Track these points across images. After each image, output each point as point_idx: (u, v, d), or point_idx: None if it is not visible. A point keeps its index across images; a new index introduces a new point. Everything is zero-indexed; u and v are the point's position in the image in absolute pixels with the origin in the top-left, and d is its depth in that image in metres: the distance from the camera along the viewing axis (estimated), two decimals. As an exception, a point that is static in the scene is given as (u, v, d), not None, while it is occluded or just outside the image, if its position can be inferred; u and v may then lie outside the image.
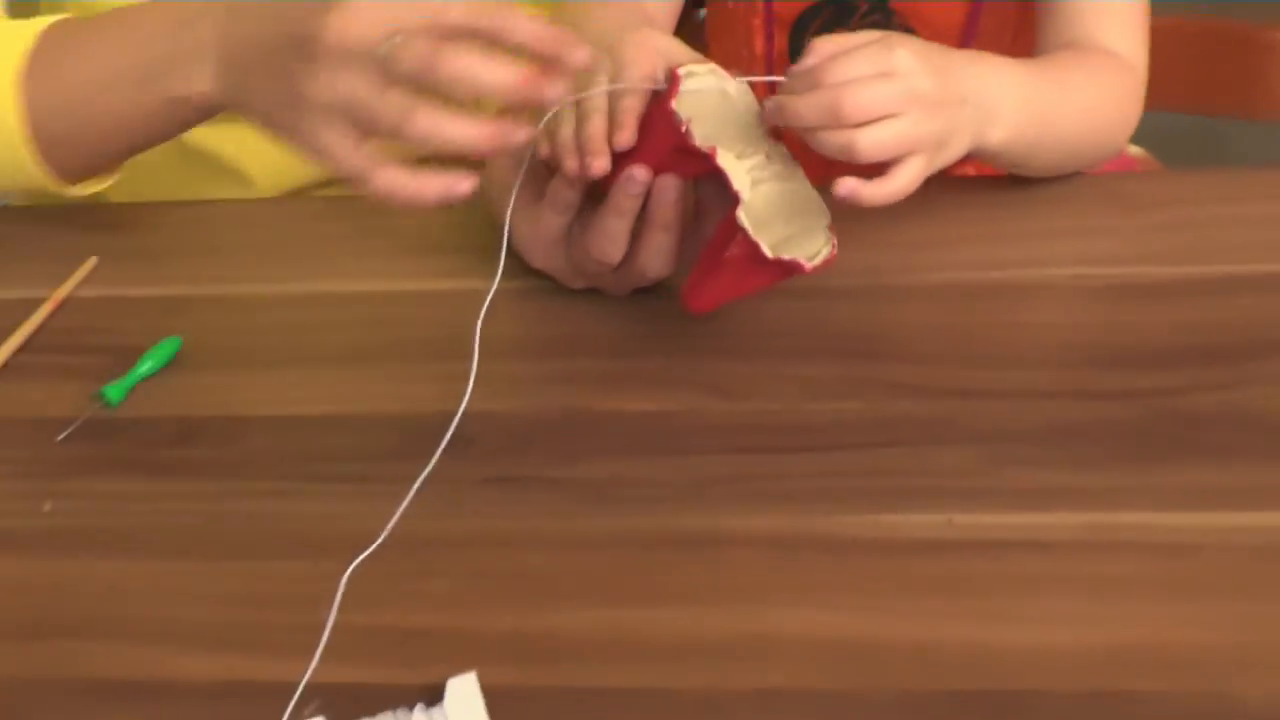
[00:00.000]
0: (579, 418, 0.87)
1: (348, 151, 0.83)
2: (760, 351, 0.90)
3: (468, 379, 0.85)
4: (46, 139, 0.97)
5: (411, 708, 0.71)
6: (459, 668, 0.72)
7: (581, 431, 0.85)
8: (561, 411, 0.87)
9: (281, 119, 0.86)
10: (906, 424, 0.84)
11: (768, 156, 0.85)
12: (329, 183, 1.16)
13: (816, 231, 0.84)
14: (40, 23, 0.99)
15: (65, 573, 0.82)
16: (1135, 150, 1.21)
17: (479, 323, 0.85)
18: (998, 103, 0.90)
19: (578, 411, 0.87)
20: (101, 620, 0.80)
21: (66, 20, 0.99)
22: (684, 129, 0.82)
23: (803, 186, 0.85)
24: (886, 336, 0.90)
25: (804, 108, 0.82)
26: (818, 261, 0.83)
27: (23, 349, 0.96)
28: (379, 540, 0.78)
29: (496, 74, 0.80)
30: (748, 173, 0.82)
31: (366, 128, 0.83)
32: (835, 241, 0.84)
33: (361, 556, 0.78)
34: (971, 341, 0.89)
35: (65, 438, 0.90)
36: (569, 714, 0.72)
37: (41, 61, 0.97)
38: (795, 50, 1.13)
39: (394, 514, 0.80)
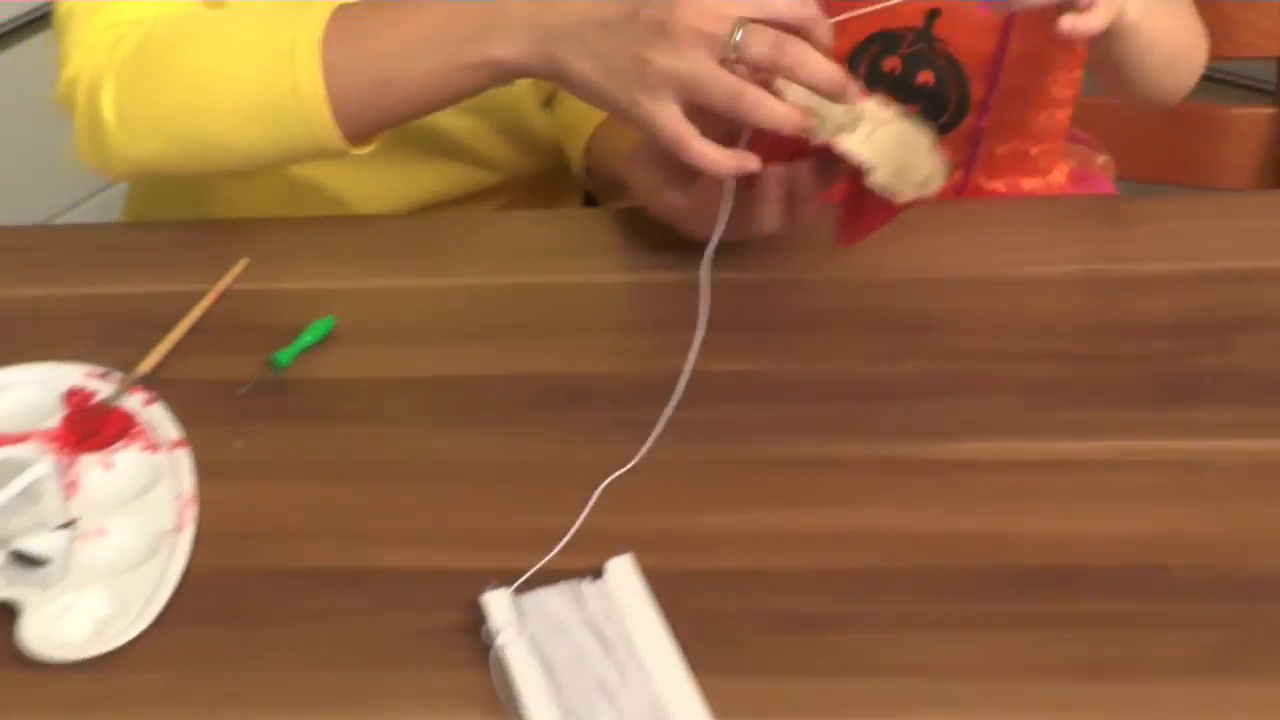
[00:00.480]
0: (677, 373, 1.04)
1: (677, 120, 0.97)
2: (831, 328, 1.08)
3: (587, 351, 1.04)
4: (342, 99, 1.07)
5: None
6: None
7: (695, 385, 1.03)
8: (674, 370, 1.04)
9: (612, 87, 0.98)
10: (962, 378, 1.03)
11: (866, 114, 1.02)
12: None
13: (923, 154, 1.02)
14: (329, 1, 1.09)
15: (258, 492, 0.99)
16: (1101, 160, 1.39)
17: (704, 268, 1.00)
18: None
19: (677, 371, 1.04)
20: (293, 526, 0.97)
21: (362, 1, 1.10)
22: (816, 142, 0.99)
23: (902, 123, 1.02)
24: (937, 316, 1.09)
25: None
26: (933, 188, 1.01)
27: (194, 330, 1.12)
28: (633, 460, 0.96)
29: (822, 67, 0.96)
30: (864, 140, 1.01)
31: (698, 101, 0.96)
32: (944, 157, 1.02)
33: (618, 472, 0.95)
34: (1008, 318, 1.08)
35: (245, 393, 1.07)
36: (714, 589, 0.89)
37: (342, 29, 1.07)
38: None
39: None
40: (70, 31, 1.17)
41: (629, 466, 0.96)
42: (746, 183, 1.02)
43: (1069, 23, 1.03)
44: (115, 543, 0.96)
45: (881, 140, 1.01)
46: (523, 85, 1.23)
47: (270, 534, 0.96)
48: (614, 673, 0.83)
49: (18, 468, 1.01)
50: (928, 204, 1.02)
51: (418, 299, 1.15)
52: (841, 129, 1.00)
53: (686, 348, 1.02)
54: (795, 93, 0.99)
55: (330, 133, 1.09)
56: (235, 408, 1.06)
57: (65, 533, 0.96)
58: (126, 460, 1.02)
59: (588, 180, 1.32)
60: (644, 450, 0.96)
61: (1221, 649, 0.83)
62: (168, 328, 1.11)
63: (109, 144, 1.14)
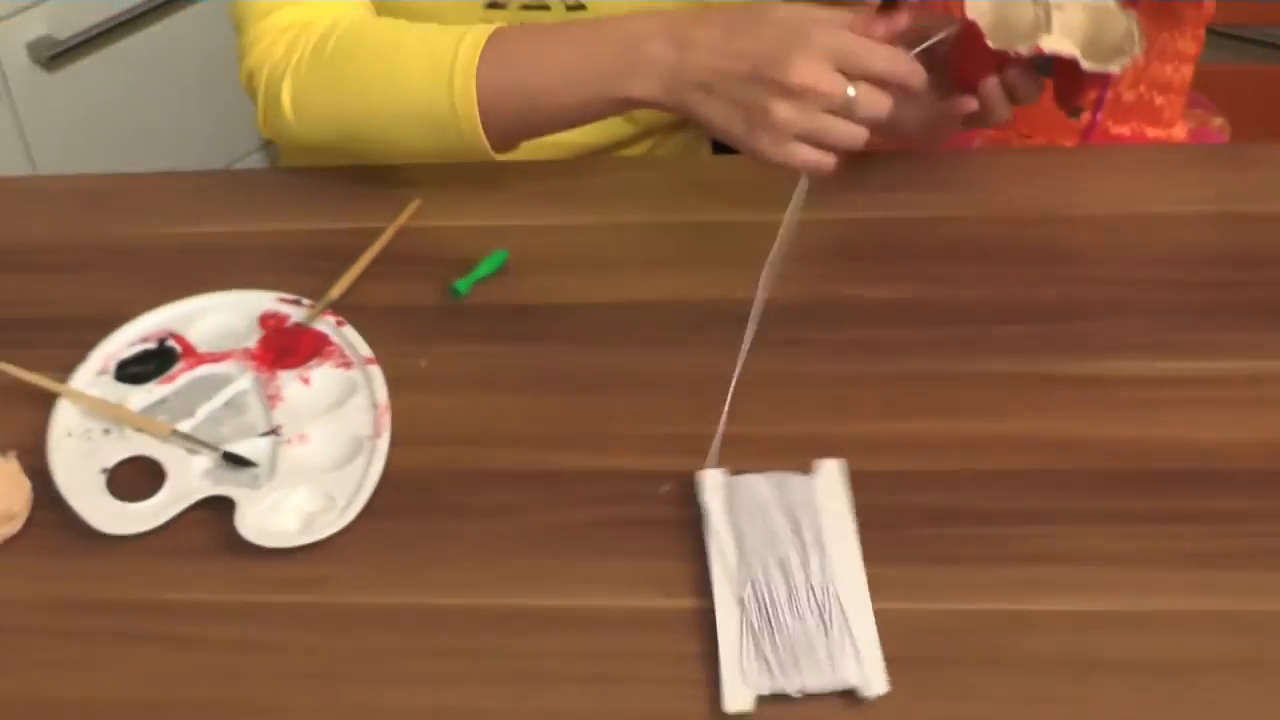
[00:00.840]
0: (840, 301, 1.13)
1: (806, 154, 1.08)
2: (971, 259, 1.16)
3: (738, 281, 1.12)
4: (492, 118, 1.20)
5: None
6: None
7: (847, 309, 1.11)
8: (823, 297, 1.12)
9: (742, 132, 1.11)
10: (1096, 304, 1.10)
11: (1052, 4, 1.11)
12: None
13: (1114, 19, 1.11)
14: (487, 28, 1.21)
15: (445, 404, 1.09)
16: (1219, 121, 1.46)
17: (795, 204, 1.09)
18: None
19: (837, 296, 1.13)
20: (477, 432, 1.06)
21: (515, 27, 1.22)
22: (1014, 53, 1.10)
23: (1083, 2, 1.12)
24: (1071, 248, 1.17)
25: None
26: (1136, 47, 1.09)
27: (377, 261, 1.21)
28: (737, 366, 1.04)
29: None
30: (1060, 38, 1.09)
31: (813, 142, 1.08)
32: (1132, 14, 1.10)
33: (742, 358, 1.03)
34: (1138, 251, 1.16)
35: (428, 317, 1.16)
36: (871, 489, 0.97)
37: (496, 55, 1.19)
38: None
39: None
40: (249, 30, 1.30)
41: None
42: (969, 92, 1.14)
43: None
44: (317, 447, 1.05)
45: (1075, 27, 1.09)
46: None
47: (458, 439, 1.05)
48: (796, 554, 0.92)
49: (221, 382, 1.11)
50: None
51: (581, 234, 1.24)
52: (1037, 30, 1.10)
53: (833, 278, 1.11)
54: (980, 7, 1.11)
55: (480, 145, 1.21)
56: (420, 329, 1.15)
57: (270, 439, 1.06)
58: (322, 375, 1.11)
59: None
60: (744, 349, 1.06)
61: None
62: (351, 260, 1.20)
63: (286, 130, 1.29)
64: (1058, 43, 1.09)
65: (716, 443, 1.00)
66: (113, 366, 1.13)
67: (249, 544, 0.98)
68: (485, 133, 1.21)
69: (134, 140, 2.09)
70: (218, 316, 1.17)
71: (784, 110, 1.08)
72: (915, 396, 1.05)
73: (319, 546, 0.98)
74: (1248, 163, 1.26)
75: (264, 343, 1.14)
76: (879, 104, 1.08)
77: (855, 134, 1.08)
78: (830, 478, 0.98)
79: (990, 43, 1.11)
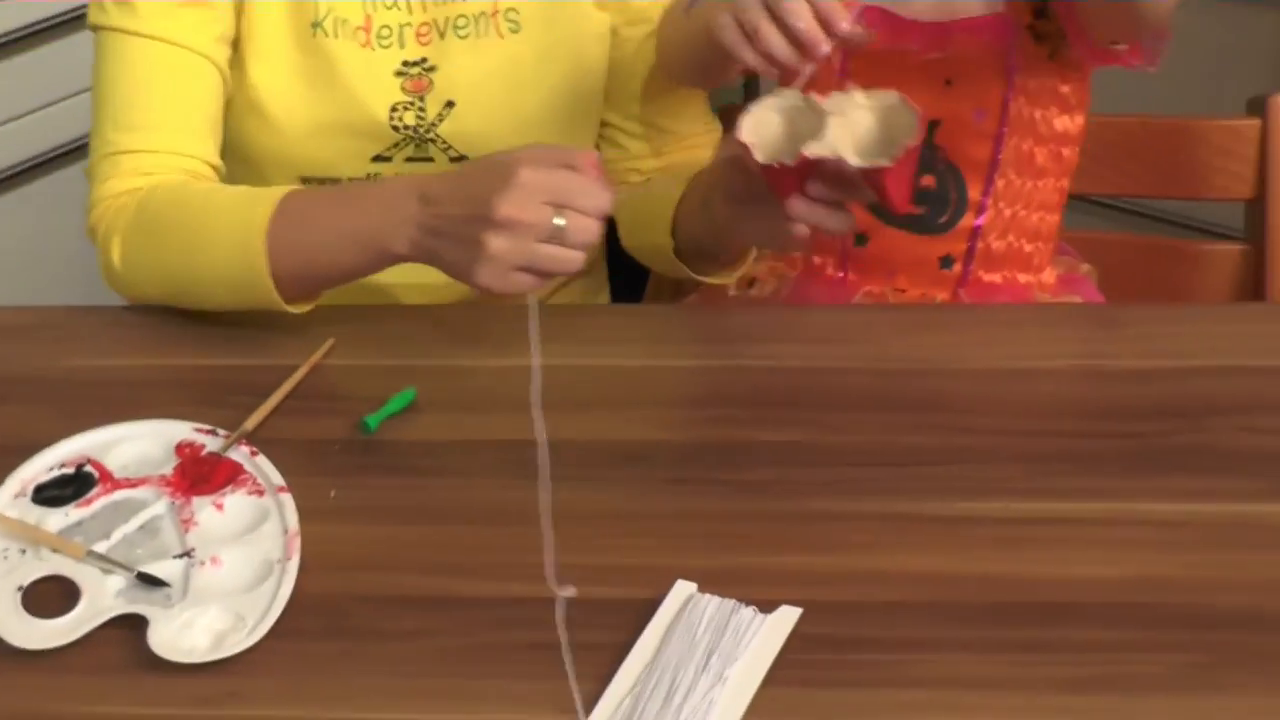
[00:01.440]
0: (728, 442, 1.20)
1: (521, 281, 1.18)
2: (852, 406, 1.24)
3: (639, 422, 1.19)
4: (282, 275, 1.29)
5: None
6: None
7: (746, 452, 1.19)
8: (720, 439, 1.19)
9: (463, 268, 1.20)
10: (967, 450, 1.18)
11: (828, 113, 1.20)
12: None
13: (902, 112, 1.19)
14: (279, 191, 1.32)
15: (353, 533, 1.14)
16: (1085, 267, 1.54)
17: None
18: None
19: (726, 439, 1.20)
20: (384, 560, 1.11)
21: (299, 191, 1.33)
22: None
23: (875, 100, 1.21)
24: (946, 399, 1.24)
25: None
26: (912, 142, 1.17)
27: (290, 397, 1.26)
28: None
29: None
30: (828, 142, 1.17)
31: (532, 271, 1.18)
32: (917, 111, 1.18)
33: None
34: (1008, 403, 1.24)
35: (338, 450, 1.21)
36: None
37: (282, 220, 1.29)
38: None
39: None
40: (93, 190, 1.41)
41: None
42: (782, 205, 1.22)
43: None
44: (228, 569, 1.10)
45: (865, 130, 1.19)
46: None
47: (365, 566, 1.10)
48: (693, 676, 0.98)
49: (137, 506, 1.16)
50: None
51: (485, 375, 1.30)
52: (812, 137, 1.18)
53: (722, 421, 1.19)
54: (748, 122, 1.20)
55: (276, 300, 1.31)
56: (330, 463, 1.20)
57: (183, 561, 1.10)
58: (235, 502, 1.16)
59: (673, 262, 1.46)
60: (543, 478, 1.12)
61: (1193, 669, 0.98)
62: (264, 394, 1.26)
63: (120, 285, 1.40)
64: (821, 148, 1.17)
65: (550, 569, 1.04)
66: (30, 490, 1.18)
67: (162, 660, 1.02)
68: (279, 288, 1.29)
69: (40, 278, 2.13)
70: (135, 444, 1.22)
71: (497, 242, 1.17)
72: (800, 533, 1.11)
73: (230, 663, 1.02)
74: (1110, 322, 1.35)
75: (180, 470, 1.18)
76: (588, 230, 1.17)
77: (570, 259, 1.17)
78: (781, 622, 1.02)
79: (758, 157, 1.19)
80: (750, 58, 1.18)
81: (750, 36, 1.18)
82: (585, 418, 1.24)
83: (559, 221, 1.16)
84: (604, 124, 1.53)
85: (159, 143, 1.40)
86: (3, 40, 2.02)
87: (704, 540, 1.11)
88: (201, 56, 1.41)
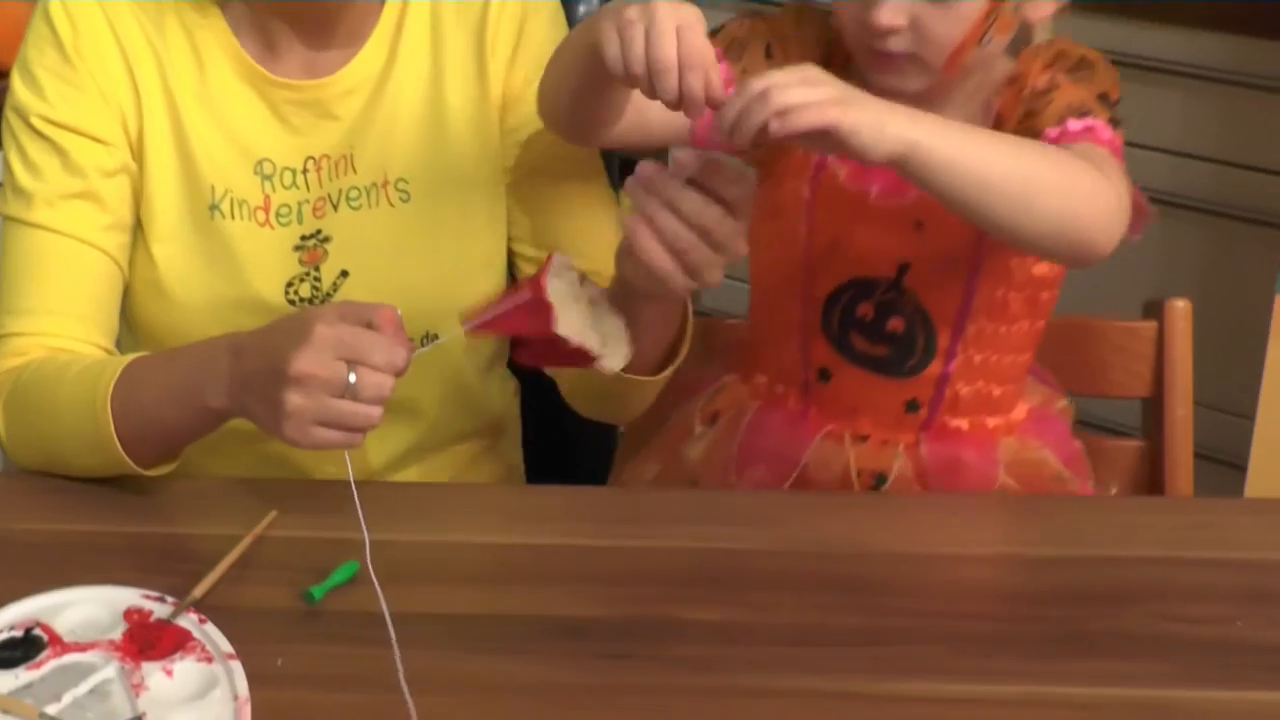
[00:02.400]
0: (661, 620, 1.25)
1: (325, 437, 1.22)
2: (779, 586, 1.29)
3: (577, 597, 1.23)
4: (127, 437, 1.34)
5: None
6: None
7: (666, 627, 1.23)
8: (654, 615, 1.24)
9: (269, 423, 1.25)
10: (894, 631, 1.23)
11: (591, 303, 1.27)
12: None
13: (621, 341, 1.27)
14: (127, 358, 1.38)
15: (301, 699, 1.17)
16: (1061, 404, 1.56)
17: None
18: (892, 109, 1.17)
19: (659, 616, 1.25)
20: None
21: (142, 356, 1.40)
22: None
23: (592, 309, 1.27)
24: (874, 581, 1.30)
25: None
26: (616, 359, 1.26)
27: (237, 564, 1.30)
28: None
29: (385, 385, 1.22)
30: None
31: (331, 426, 1.22)
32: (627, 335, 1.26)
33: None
34: (934, 585, 1.29)
35: (283, 619, 1.25)
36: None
37: (121, 385, 1.35)
38: (825, 322, 1.44)
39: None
40: None
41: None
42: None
43: (775, 124, 1.12)
44: (179, 734, 1.13)
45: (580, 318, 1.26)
46: (459, 348, 1.52)
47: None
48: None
49: (87, 670, 1.18)
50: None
51: (426, 550, 1.34)
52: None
53: (655, 600, 1.25)
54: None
55: (128, 463, 1.36)
56: (276, 630, 1.24)
57: (134, 725, 1.13)
58: (184, 668, 1.18)
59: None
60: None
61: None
62: (208, 562, 1.29)
63: (9, 452, 1.46)
64: (568, 330, 1.24)
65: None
66: (-21, 652, 1.20)
67: (115, 823, 1.05)
68: (127, 450, 1.35)
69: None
70: (83, 609, 1.25)
71: (294, 399, 1.21)
72: (730, 709, 1.16)
73: (182, 826, 1.05)
74: (1028, 511, 1.42)
75: (128, 635, 1.21)
76: (381, 386, 1.21)
77: (365, 414, 1.22)
78: None
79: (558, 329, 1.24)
80: (620, 69, 1.18)
81: (625, 47, 1.17)
82: (522, 592, 1.29)
83: (352, 378, 1.20)
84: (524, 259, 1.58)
85: (39, 326, 1.46)
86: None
87: (639, 714, 1.16)
88: (90, 246, 1.46)
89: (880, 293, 1.35)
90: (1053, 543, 1.35)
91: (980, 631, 1.24)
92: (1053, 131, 1.29)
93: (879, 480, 1.34)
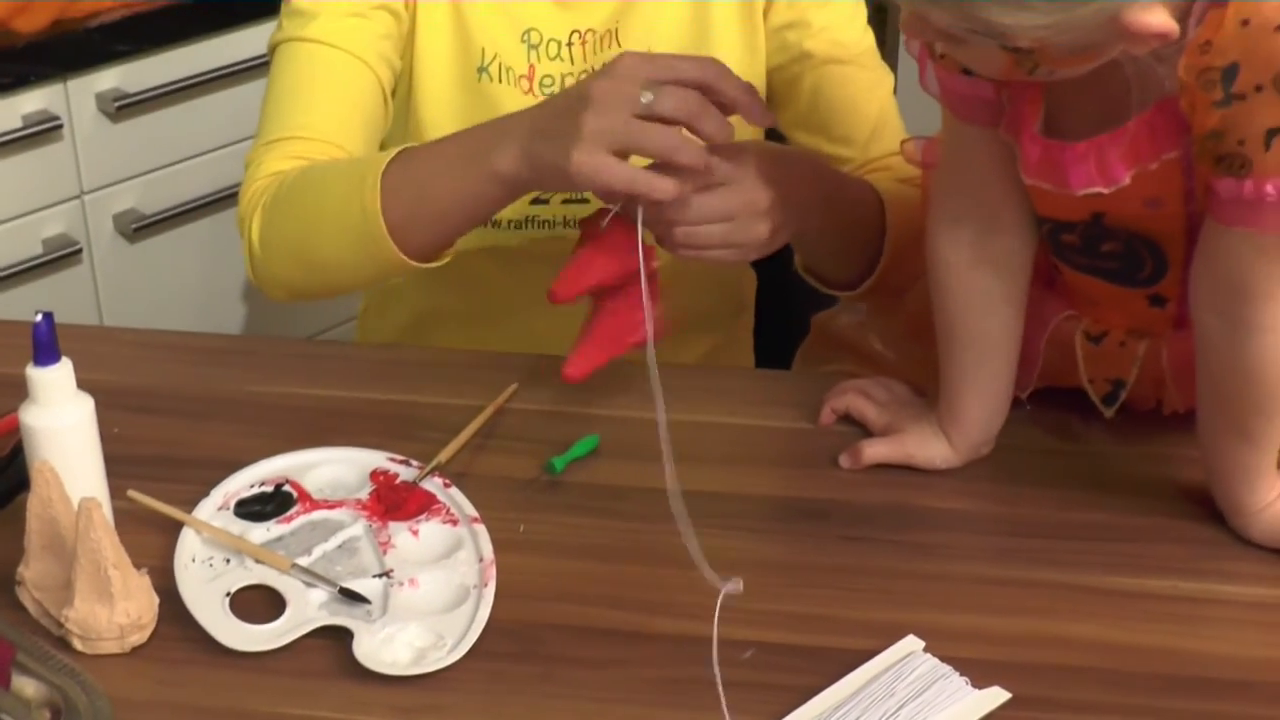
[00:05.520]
0: (907, 506, 1.25)
1: (613, 166, 1.19)
2: (1027, 481, 1.28)
3: (816, 480, 1.24)
4: (393, 215, 1.30)
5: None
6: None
7: (927, 516, 1.25)
8: (890, 501, 1.25)
9: (562, 157, 1.19)
10: (1133, 530, 1.22)
11: None
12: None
13: None
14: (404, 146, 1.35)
15: (544, 565, 1.20)
16: None
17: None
18: None
19: (904, 502, 1.26)
20: (575, 593, 1.17)
21: (417, 145, 1.37)
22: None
23: None
24: (1117, 479, 1.29)
25: None
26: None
27: (478, 435, 1.32)
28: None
29: (716, 123, 1.21)
30: None
31: (623, 150, 1.19)
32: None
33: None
34: (1173, 489, 1.27)
35: (524, 489, 1.27)
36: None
37: (399, 163, 1.31)
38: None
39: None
40: (245, 176, 1.46)
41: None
42: None
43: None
44: (425, 591, 1.15)
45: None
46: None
47: (556, 597, 1.16)
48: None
49: (335, 526, 1.21)
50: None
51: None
52: None
53: (903, 485, 1.24)
54: None
55: (389, 246, 1.31)
56: (518, 498, 1.26)
57: (382, 580, 1.16)
58: (430, 529, 1.21)
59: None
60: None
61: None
62: (450, 431, 1.31)
63: (257, 266, 1.43)
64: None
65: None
66: (232, 504, 1.24)
67: (364, 670, 1.08)
68: (390, 232, 1.30)
69: (201, 311, 2.21)
70: (331, 469, 1.28)
71: (590, 119, 1.19)
72: (965, 595, 1.17)
73: (430, 678, 1.08)
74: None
75: (375, 495, 1.24)
76: (685, 100, 1.19)
77: (662, 135, 1.19)
78: (986, 699, 1.05)
79: None
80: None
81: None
82: (763, 472, 1.31)
83: (647, 96, 1.19)
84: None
85: (314, 130, 1.45)
86: (200, 80, 2.10)
87: (877, 596, 1.16)
88: (363, 63, 1.46)
89: (1081, 230, 1.24)
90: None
91: (1222, 535, 1.22)
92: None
93: (1116, 386, 1.29)
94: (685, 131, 1.22)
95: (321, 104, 1.46)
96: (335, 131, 1.45)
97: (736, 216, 1.25)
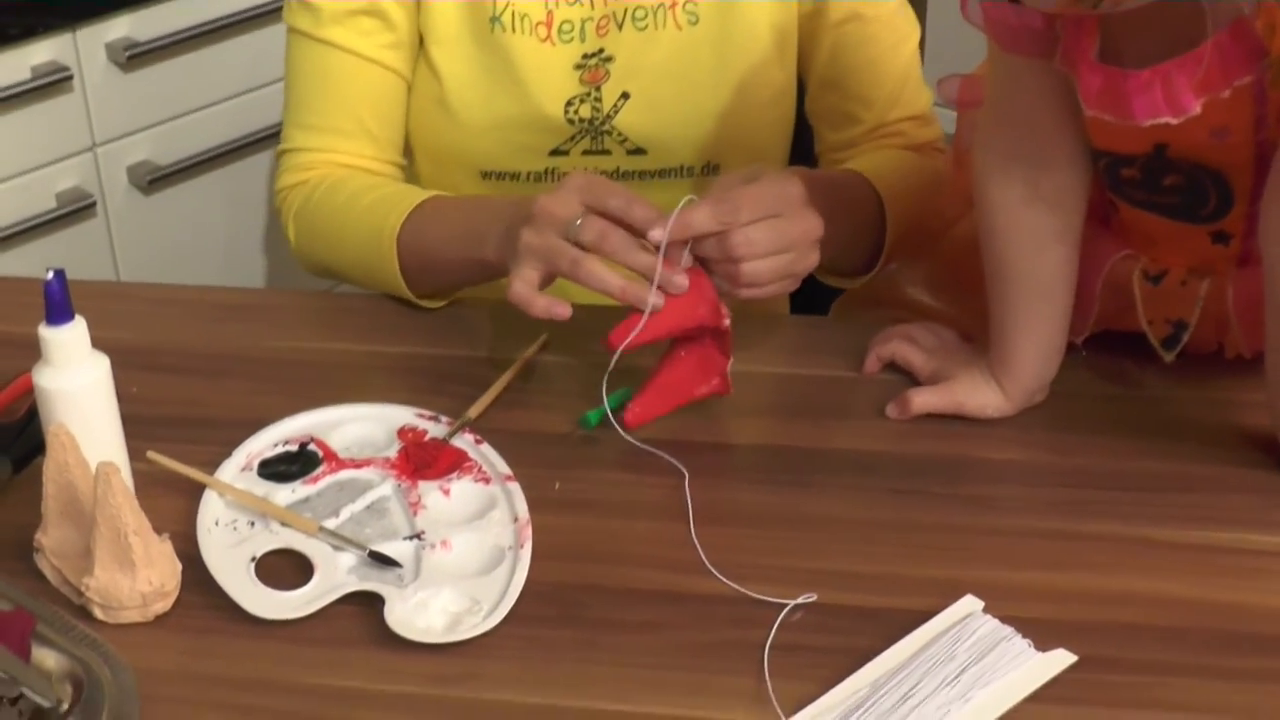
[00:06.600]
0: (961, 458, 1.20)
1: (525, 282, 1.20)
2: (1090, 430, 1.23)
3: (864, 433, 1.19)
4: (407, 270, 1.37)
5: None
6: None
7: (983, 468, 1.20)
8: (943, 454, 1.20)
9: (510, 262, 1.23)
10: (1203, 480, 1.17)
11: None
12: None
13: None
14: (423, 194, 1.40)
15: (581, 524, 1.15)
16: None
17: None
18: None
19: (959, 454, 1.21)
20: (613, 552, 1.13)
21: (439, 196, 1.41)
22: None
23: None
24: (1185, 427, 1.24)
25: None
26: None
27: (508, 388, 1.28)
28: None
29: (638, 257, 1.18)
30: None
31: (549, 269, 1.21)
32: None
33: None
34: (1244, 438, 1.22)
35: (558, 444, 1.22)
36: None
37: (413, 220, 1.38)
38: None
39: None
40: (277, 177, 1.52)
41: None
42: None
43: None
44: (459, 553, 1.11)
45: None
46: None
47: (595, 558, 1.11)
48: (931, 687, 0.98)
49: (363, 486, 1.17)
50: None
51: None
52: None
53: (956, 437, 1.19)
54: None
55: (406, 292, 1.39)
56: (552, 455, 1.21)
57: (413, 543, 1.11)
58: (461, 488, 1.17)
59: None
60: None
61: None
62: (479, 385, 1.27)
63: (298, 259, 1.50)
64: None
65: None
66: (256, 465, 1.19)
67: (396, 638, 1.03)
68: (406, 282, 1.38)
69: (220, 264, 2.17)
70: (358, 426, 1.24)
71: (527, 234, 1.22)
72: (1023, 549, 1.12)
73: (467, 645, 1.03)
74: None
75: (404, 453, 1.20)
76: (602, 233, 1.18)
77: (575, 260, 1.18)
78: (1050, 663, 1.01)
79: None
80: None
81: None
82: (808, 424, 1.26)
83: (578, 221, 1.19)
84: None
85: (327, 143, 1.48)
86: (213, 27, 2.05)
87: (930, 551, 1.11)
88: (376, 64, 1.46)
89: (1142, 163, 1.18)
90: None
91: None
92: None
93: (1177, 328, 1.24)
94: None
95: (328, 114, 1.48)
96: (355, 144, 1.48)
97: (796, 246, 1.22)
